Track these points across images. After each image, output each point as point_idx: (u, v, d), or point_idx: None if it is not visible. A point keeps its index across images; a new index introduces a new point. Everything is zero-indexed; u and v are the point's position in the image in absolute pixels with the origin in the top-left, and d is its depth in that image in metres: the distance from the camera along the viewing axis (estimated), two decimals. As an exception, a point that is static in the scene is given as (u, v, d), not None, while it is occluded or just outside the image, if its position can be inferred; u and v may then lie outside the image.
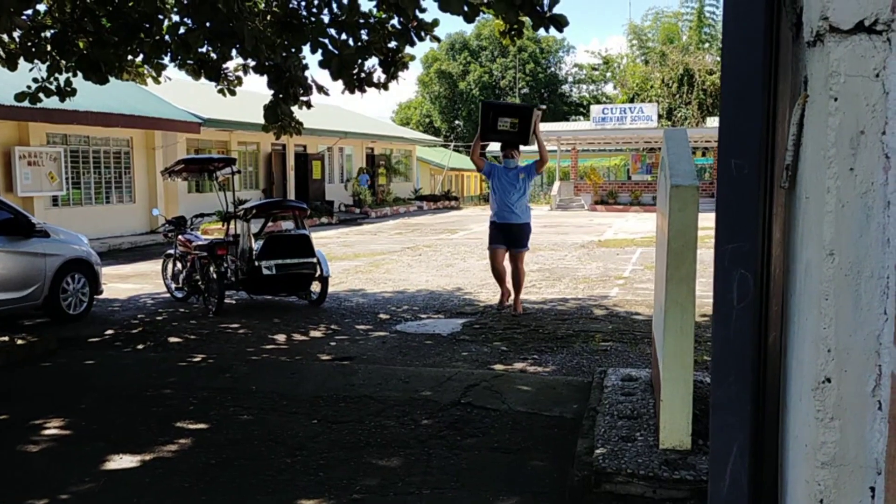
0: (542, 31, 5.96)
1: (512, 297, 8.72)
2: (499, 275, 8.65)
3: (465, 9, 5.81)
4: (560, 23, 5.72)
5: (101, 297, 9.34)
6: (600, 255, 14.58)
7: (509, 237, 8.42)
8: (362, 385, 5.69)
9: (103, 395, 5.55)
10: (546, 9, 5.70)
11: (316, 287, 9.36)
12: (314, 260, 9.20)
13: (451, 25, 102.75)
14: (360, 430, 4.67)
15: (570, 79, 61.50)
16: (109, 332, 8.01)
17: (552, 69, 59.65)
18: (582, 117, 55.31)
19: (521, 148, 8.60)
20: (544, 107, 10.56)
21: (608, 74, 58.77)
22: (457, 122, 58.66)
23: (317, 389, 5.60)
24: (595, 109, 35.75)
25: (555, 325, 7.99)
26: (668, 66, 38.08)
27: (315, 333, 7.80)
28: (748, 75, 1.54)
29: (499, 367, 6.31)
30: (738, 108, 1.54)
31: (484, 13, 6.58)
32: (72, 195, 18.25)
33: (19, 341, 6.76)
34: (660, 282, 4.23)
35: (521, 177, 8.43)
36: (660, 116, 35.28)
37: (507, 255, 8.52)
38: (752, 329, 1.59)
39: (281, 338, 7.62)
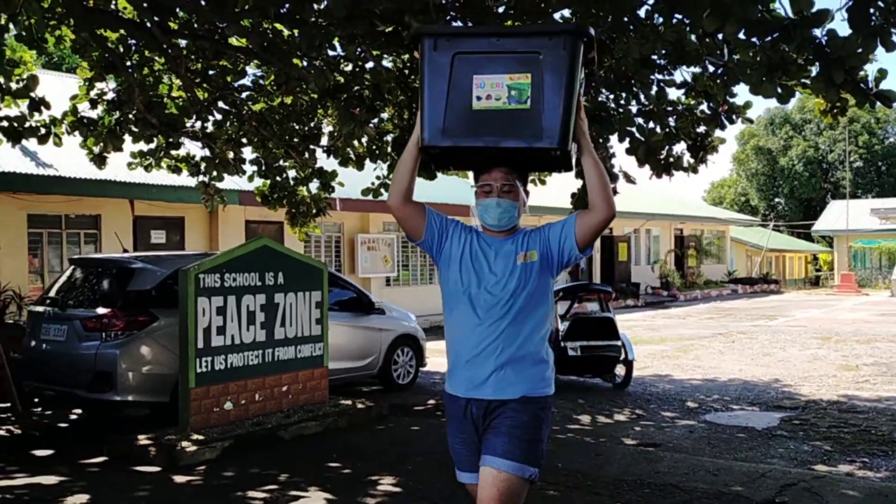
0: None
1: None
2: None
3: (779, 91, 5.68)
4: (888, 99, 5.32)
5: (424, 369, 10.29)
6: (953, 349, 12.63)
7: (490, 437, 2.92)
8: (667, 473, 5.59)
9: (426, 458, 6.12)
10: (871, 85, 5.37)
11: (620, 370, 9.39)
12: (619, 343, 9.26)
13: (769, 101, 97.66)
14: (665, 519, 4.61)
15: (915, 148, 54.79)
16: (431, 401, 8.78)
17: (891, 140, 53.67)
18: (930, 190, 48.72)
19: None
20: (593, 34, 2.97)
21: (963, 141, 51.43)
22: (777, 199, 55.04)
23: (620, 473, 5.63)
24: (945, 182, 31.39)
25: (891, 426, 7.12)
26: None
27: (619, 417, 7.81)
28: None
29: (821, 467, 5.80)
30: None
31: (800, 93, 6.36)
32: (401, 276, 20.42)
33: (359, 405, 7.73)
34: None
35: (527, 259, 2.98)
36: None
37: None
38: None
39: (585, 419, 7.75)
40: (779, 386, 9.41)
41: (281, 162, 10.22)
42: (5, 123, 8.35)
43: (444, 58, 2.89)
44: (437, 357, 12.36)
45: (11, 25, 8.02)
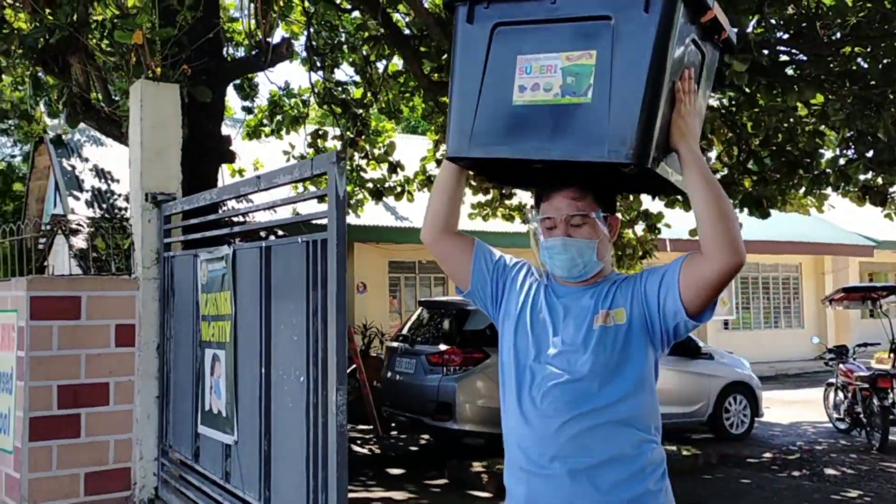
0: None
1: None
2: None
3: None
4: None
5: (761, 419, 9.64)
6: None
7: None
8: None
9: (753, 514, 5.80)
10: None
11: None
12: None
13: None
14: None
15: None
16: (767, 455, 8.22)
17: None
18: None
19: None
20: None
21: None
22: None
23: None
24: None
25: None
26: None
27: None
28: None
29: None
30: None
31: None
32: (742, 319, 19.28)
33: (685, 452, 7.54)
34: None
35: (609, 322, 1.95)
36: None
37: None
38: None
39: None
40: None
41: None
42: (370, 185, 9.83)
43: (482, 31, 2.03)
44: (777, 408, 11.52)
45: (374, 101, 9.49)
